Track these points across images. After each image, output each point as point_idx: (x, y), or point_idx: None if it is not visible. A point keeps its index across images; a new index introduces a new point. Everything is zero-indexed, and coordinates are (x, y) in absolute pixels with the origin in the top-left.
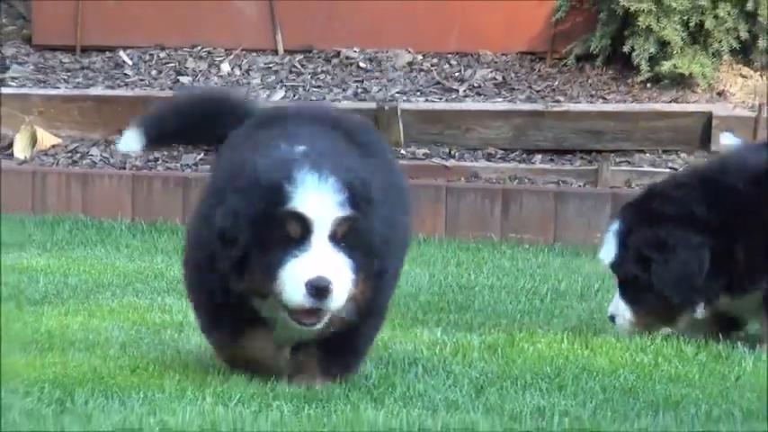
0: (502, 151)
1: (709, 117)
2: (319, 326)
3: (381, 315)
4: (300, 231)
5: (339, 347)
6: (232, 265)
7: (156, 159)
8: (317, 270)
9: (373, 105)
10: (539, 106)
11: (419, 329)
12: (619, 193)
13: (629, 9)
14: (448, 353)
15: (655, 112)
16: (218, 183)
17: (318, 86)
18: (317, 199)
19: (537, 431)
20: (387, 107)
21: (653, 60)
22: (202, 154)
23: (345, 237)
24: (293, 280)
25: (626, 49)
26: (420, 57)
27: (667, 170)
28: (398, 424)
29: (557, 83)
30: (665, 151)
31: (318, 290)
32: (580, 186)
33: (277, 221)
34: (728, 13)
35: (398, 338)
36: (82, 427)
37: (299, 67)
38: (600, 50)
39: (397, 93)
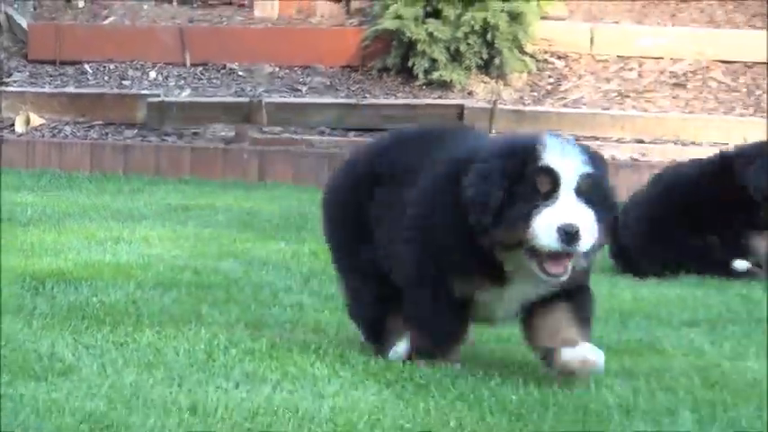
0: (330, 129)
1: (462, 107)
2: (565, 277)
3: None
4: (550, 185)
5: (574, 308)
6: (484, 224)
7: (107, 134)
8: (568, 217)
9: (246, 100)
10: (353, 100)
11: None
12: None
13: (411, 38)
14: (289, 257)
15: (427, 104)
16: (444, 169)
17: (211, 87)
18: (565, 157)
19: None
20: (255, 101)
21: (426, 72)
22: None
23: (588, 191)
24: (546, 226)
25: (409, 64)
26: (277, 68)
27: None
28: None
29: (365, 86)
30: None
31: (569, 234)
32: None
33: (530, 177)
34: (475, 42)
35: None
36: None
37: (200, 75)
38: (393, 65)
39: (263, 92)
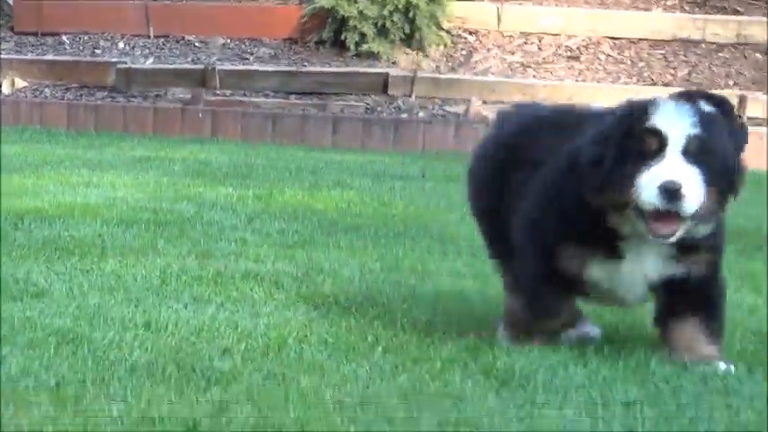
0: (273, 93)
1: (387, 76)
2: (674, 237)
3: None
4: (657, 145)
5: (707, 316)
6: (595, 183)
7: (81, 95)
8: (670, 175)
9: (202, 67)
10: (293, 68)
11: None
12: (341, 116)
13: (343, 15)
14: (235, 200)
15: (357, 72)
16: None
17: (171, 56)
18: (673, 118)
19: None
20: (209, 68)
21: (357, 44)
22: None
23: (696, 153)
24: (648, 184)
25: (342, 37)
26: (229, 40)
27: (362, 104)
28: None
29: (304, 56)
30: (363, 94)
31: (670, 191)
32: (316, 111)
33: (638, 137)
34: (399, 19)
35: (209, 193)
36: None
37: (162, 45)
38: (328, 39)
39: (216, 60)
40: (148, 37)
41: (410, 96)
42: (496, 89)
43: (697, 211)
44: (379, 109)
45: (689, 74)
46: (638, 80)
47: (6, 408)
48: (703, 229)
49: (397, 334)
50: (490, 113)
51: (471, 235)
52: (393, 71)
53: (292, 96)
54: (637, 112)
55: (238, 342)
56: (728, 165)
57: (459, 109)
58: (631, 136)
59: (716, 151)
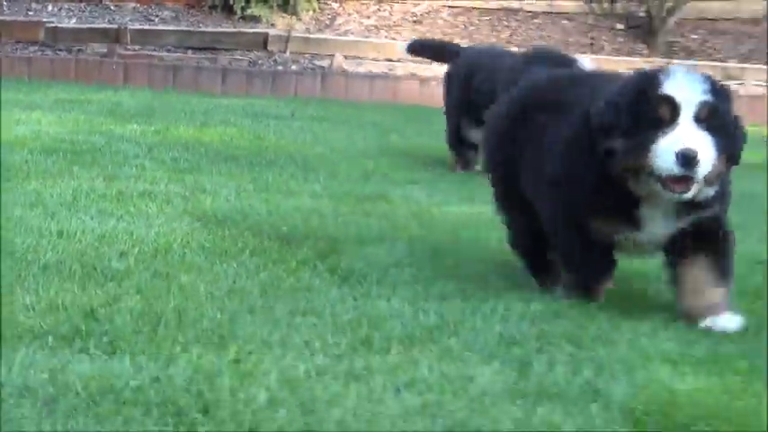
0: (174, 48)
1: (267, 35)
2: (689, 194)
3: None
4: (670, 112)
5: (711, 246)
6: (611, 149)
7: (17, 49)
8: (686, 142)
9: (116, 26)
10: (191, 29)
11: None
12: (229, 68)
13: None
14: (139, 134)
15: (242, 32)
16: (579, 104)
17: (91, 18)
18: (685, 86)
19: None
20: (122, 28)
21: (242, 9)
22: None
23: (707, 119)
24: (665, 151)
25: (230, 3)
26: (138, 5)
27: (246, 59)
28: None
29: (199, 18)
30: (247, 50)
31: (687, 158)
32: (209, 64)
33: (652, 105)
34: None
35: (118, 128)
36: None
37: (83, 9)
38: (219, 4)
39: (128, 21)
40: (72, 2)
41: (285, 52)
42: (355, 47)
43: (708, 174)
44: (260, 62)
45: (510, 35)
46: (469, 41)
47: None
48: (712, 189)
49: (263, 241)
50: (350, 67)
51: (329, 164)
52: (272, 31)
53: (189, 51)
54: (649, 80)
55: (133, 247)
56: (734, 129)
57: (325, 63)
58: (646, 103)
59: (724, 117)
